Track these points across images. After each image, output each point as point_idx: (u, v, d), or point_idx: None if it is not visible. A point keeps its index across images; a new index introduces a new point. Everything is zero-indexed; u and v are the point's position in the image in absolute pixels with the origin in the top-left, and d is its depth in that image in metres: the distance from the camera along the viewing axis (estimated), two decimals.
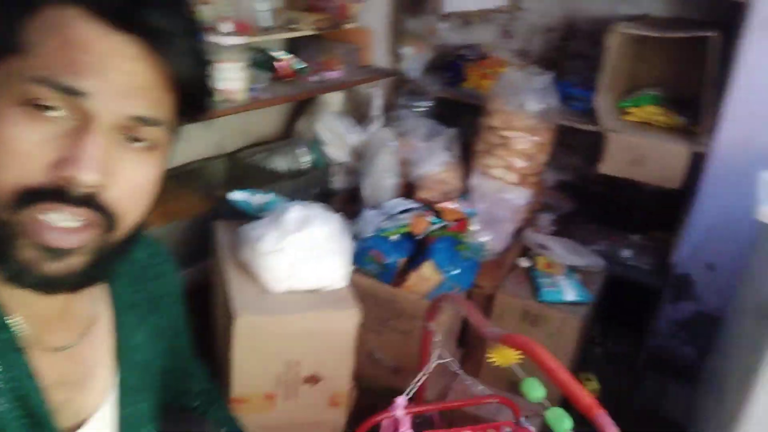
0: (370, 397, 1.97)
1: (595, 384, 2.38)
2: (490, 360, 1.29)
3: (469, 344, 2.24)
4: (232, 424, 1.15)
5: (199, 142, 2.26)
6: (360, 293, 1.91)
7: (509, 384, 2.21)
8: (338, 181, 2.46)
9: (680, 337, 2.69)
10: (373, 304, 1.90)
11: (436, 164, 2.14)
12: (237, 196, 1.74)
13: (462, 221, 1.99)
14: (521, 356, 1.27)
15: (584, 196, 2.79)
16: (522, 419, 1.55)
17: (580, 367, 2.50)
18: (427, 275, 1.81)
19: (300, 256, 1.52)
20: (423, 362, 1.59)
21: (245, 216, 1.73)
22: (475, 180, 2.16)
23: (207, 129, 2.20)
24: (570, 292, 2.08)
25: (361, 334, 1.98)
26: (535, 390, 1.18)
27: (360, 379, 2.03)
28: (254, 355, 1.44)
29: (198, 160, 2.27)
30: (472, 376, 2.29)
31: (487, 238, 1.95)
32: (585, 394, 1.05)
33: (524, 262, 2.28)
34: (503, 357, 1.27)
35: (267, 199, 1.70)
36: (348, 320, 1.49)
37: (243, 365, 1.44)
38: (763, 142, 2.22)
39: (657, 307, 2.44)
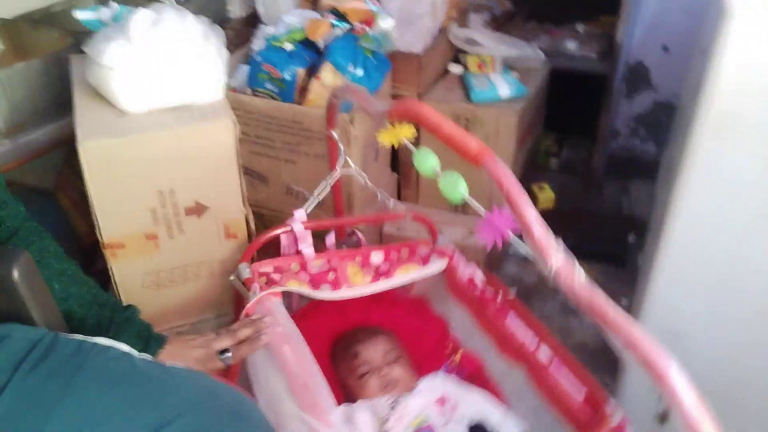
0: None
1: (549, 192, 2.20)
2: (380, 140, 1.07)
3: (404, 169, 2.03)
4: None
5: None
6: (260, 120, 1.66)
7: (450, 210, 2.03)
8: (234, 8, 2.13)
9: (639, 135, 2.49)
10: (278, 130, 1.65)
11: None
12: (82, 15, 1.44)
13: (369, 20, 1.70)
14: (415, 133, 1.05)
15: None
16: (441, 239, 1.37)
17: (532, 177, 2.32)
18: (329, 80, 1.54)
19: (155, 66, 1.25)
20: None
21: None
22: None
23: None
24: (504, 89, 1.83)
25: (273, 168, 1.76)
26: (427, 159, 0.96)
27: (282, 216, 1.84)
28: (115, 188, 1.21)
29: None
30: (411, 202, 2.11)
31: (393, 26, 1.66)
32: (472, 141, 0.83)
33: (455, 68, 2.02)
34: (393, 135, 1.05)
35: (115, 10, 1.40)
36: (223, 132, 1.24)
37: (105, 202, 1.21)
38: None
39: (611, 101, 2.21)
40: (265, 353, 1.04)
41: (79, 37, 1.61)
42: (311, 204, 1.31)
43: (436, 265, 1.30)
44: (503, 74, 1.91)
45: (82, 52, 1.55)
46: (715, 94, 1.01)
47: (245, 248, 1.39)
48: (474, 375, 1.25)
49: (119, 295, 1.33)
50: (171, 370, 0.85)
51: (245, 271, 1.20)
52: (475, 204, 0.89)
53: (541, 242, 0.71)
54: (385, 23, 1.63)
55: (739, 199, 1.14)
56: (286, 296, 1.21)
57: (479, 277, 1.25)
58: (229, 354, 1.00)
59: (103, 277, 1.33)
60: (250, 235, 1.38)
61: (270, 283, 1.19)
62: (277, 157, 1.71)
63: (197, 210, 1.29)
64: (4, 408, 0.72)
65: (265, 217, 1.84)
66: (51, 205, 1.92)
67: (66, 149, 1.90)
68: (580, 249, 2.28)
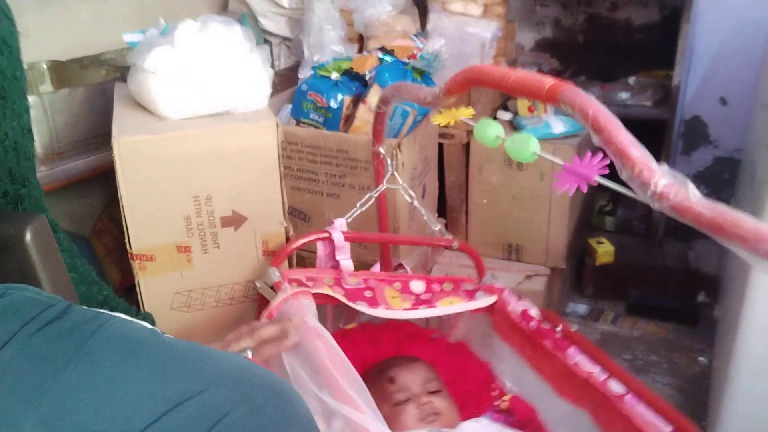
0: None
1: (608, 245, 2.05)
2: (435, 121, 0.97)
3: (452, 213, 1.93)
4: None
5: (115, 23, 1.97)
6: (304, 151, 1.60)
7: (503, 249, 1.89)
8: (282, 59, 2.14)
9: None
10: (322, 161, 1.58)
11: (383, 6, 1.82)
12: (130, 38, 1.43)
13: (415, 56, 1.66)
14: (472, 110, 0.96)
15: (568, 53, 2.45)
16: (487, 276, 1.24)
17: (588, 235, 2.18)
18: (376, 104, 1.48)
19: (197, 72, 1.21)
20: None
21: None
22: (432, 18, 1.83)
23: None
24: (558, 126, 1.75)
25: (316, 204, 1.68)
26: (489, 128, 0.86)
27: None
28: (149, 190, 1.13)
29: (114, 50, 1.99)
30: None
31: (443, 45, 1.60)
32: (543, 77, 0.74)
33: (504, 115, 1.96)
34: (450, 115, 0.96)
35: (161, 26, 1.39)
36: (265, 133, 1.17)
37: (137, 206, 1.13)
38: None
39: (669, 150, 2.10)
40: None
41: (126, 72, 1.61)
42: (353, 213, 1.20)
43: (485, 300, 1.15)
44: (555, 115, 1.83)
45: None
46: None
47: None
48: (525, 422, 1.07)
49: None
50: (203, 346, 0.72)
51: (274, 275, 1.08)
52: (551, 157, 0.78)
53: (641, 163, 0.60)
54: (435, 43, 1.59)
55: None
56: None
57: (535, 311, 1.09)
58: (249, 354, 0.87)
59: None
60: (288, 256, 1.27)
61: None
62: (320, 191, 1.63)
63: (234, 221, 1.20)
64: (4, 361, 0.61)
65: (306, 260, 1.73)
66: (85, 250, 1.87)
67: (106, 196, 1.86)
68: (647, 306, 2.07)
